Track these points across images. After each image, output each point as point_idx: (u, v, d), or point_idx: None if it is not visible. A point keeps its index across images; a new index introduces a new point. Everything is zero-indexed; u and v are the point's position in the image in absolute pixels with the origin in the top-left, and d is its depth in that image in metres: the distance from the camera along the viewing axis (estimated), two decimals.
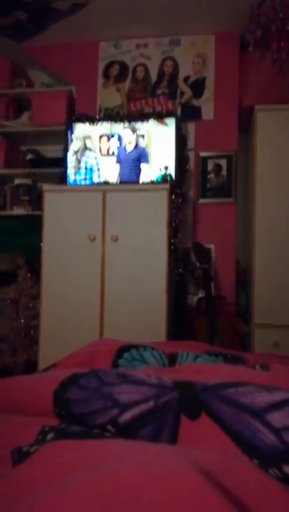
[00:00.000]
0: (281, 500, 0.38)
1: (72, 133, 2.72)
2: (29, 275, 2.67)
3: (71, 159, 2.70)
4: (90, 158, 2.68)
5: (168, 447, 0.46)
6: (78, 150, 2.70)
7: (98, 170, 2.67)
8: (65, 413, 0.63)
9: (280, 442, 0.47)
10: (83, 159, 2.68)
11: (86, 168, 2.67)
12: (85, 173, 2.68)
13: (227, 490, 0.37)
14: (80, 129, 2.71)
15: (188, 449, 0.46)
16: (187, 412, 0.54)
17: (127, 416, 0.56)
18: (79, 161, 2.69)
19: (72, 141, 2.71)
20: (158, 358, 1.00)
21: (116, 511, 0.34)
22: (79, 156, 2.69)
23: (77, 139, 2.70)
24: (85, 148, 2.69)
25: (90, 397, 0.63)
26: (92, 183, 2.62)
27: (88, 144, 2.69)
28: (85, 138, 2.70)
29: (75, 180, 2.68)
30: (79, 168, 2.68)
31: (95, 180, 2.65)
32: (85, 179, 2.67)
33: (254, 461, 0.47)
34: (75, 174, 2.68)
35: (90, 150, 2.68)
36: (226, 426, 0.51)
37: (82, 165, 2.68)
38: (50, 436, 0.51)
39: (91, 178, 2.66)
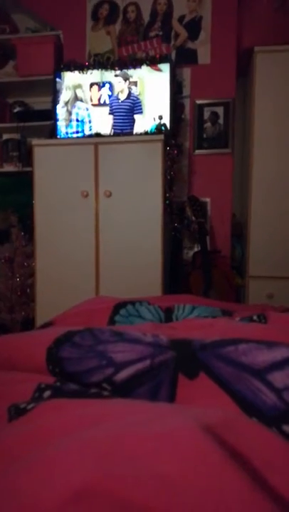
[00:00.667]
0: (283, 453, 0.37)
1: (60, 82, 2.58)
2: (22, 234, 2.64)
3: (61, 111, 2.58)
4: (81, 110, 2.56)
5: (168, 405, 0.45)
6: (69, 101, 2.57)
7: (90, 122, 2.56)
8: (59, 371, 0.62)
9: (281, 402, 0.46)
10: (74, 111, 2.56)
11: (77, 120, 2.56)
12: (77, 126, 2.56)
13: (229, 445, 0.37)
14: (70, 78, 2.56)
15: (188, 407, 0.45)
16: (185, 371, 0.53)
17: (122, 375, 0.55)
18: (70, 113, 2.57)
19: (61, 91, 2.57)
20: (154, 312, 0.99)
21: (113, 469, 0.33)
22: (70, 108, 2.57)
23: (67, 88, 2.56)
24: (76, 98, 2.56)
25: (84, 356, 0.61)
26: (84, 136, 2.52)
27: (79, 94, 2.56)
28: (75, 87, 2.57)
29: (66, 133, 2.57)
30: (70, 121, 2.56)
31: (87, 132, 2.55)
32: (77, 132, 2.56)
33: (253, 419, 0.46)
34: (66, 127, 2.57)
35: (81, 101, 2.55)
36: (225, 385, 0.50)
37: (74, 117, 2.56)
38: (47, 393, 0.50)
39: (83, 131, 2.55)
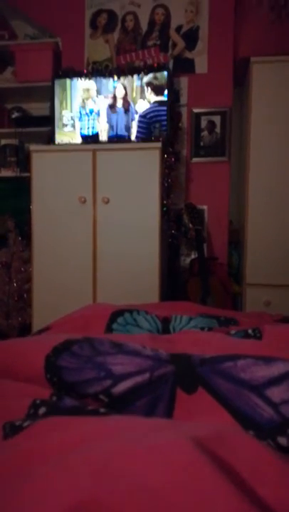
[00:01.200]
0: (273, 465, 0.38)
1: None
2: (20, 239, 2.64)
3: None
4: (92, 105, 2.57)
5: (162, 421, 0.45)
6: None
7: (98, 115, 2.56)
8: (57, 380, 0.63)
9: (278, 415, 0.47)
10: (87, 107, 2.57)
11: (88, 114, 2.56)
12: (88, 122, 2.57)
13: (220, 459, 0.37)
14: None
15: (182, 422, 0.45)
16: (183, 386, 0.54)
17: (121, 387, 0.56)
18: (84, 109, 2.57)
19: (57, 96, 2.59)
20: (151, 321, 1.00)
21: (107, 485, 0.34)
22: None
23: (84, 90, 2.57)
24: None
25: (82, 366, 0.62)
26: (81, 143, 2.53)
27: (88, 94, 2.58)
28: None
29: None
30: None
31: (98, 128, 2.54)
32: (88, 128, 2.56)
33: (250, 432, 0.47)
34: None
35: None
36: (223, 400, 0.50)
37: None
38: (42, 410, 0.51)
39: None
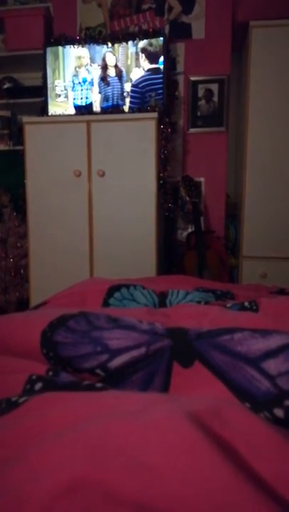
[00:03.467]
0: (270, 440, 0.38)
1: (56, 57, 2.50)
2: (15, 214, 2.61)
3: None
4: (85, 73, 2.49)
5: (158, 396, 0.45)
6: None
7: (92, 84, 2.48)
8: (53, 355, 0.62)
9: (274, 387, 0.47)
10: (80, 76, 2.49)
11: (81, 83, 2.48)
12: (81, 92, 2.49)
13: (216, 434, 0.37)
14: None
15: (178, 397, 0.45)
16: (180, 360, 0.54)
17: (117, 361, 0.56)
18: (77, 78, 2.49)
19: (49, 65, 2.50)
20: (148, 296, 0.99)
21: (103, 461, 0.34)
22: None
23: (76, 58, 2.48)
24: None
25: (78, 341, 0.62)
26: (75, 113, 2.47)
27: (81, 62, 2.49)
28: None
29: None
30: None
31: (92, 98, 2.47)
32: (81, 98, 2.49)
33: (246, 404, 0.47)
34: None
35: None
36: (220, 373, 0.50)
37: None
38: (38, 386, 0.51)
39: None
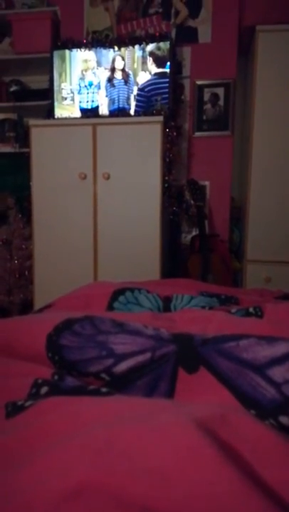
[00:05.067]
0: (276, 446, 0.38)
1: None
2: (20, 216, 2.62)
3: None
4: (91, 77, 2.51)
5: (164, 401, 0.45)
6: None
7: (98, 88, 2.49)
8: (58, 359, 0.63)
9: (280, 395, 0.47)
10: (86, 80, 2.50)
11: (87, 86, 2.50)
12: (87, 95, 2.51)
13: (222, 440, 0.37)
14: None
15: (184, 403, 0.45)
16: (185, 366, 0.54)
17: (122, 366, 0.56)
18: (83, 81, 2.51)
19: (55, 68, 2.51)
20: (153, 300, 0.99)
21: (110, 465, 0.34)
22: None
23: (83, 61, 2.50)
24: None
25: (84, 345, 0.62)
26: (81, 117, 2.48)
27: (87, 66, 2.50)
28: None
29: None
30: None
31: (98, 101, 2.48)
32: (87, 102, 2.51)
33: (251, 412, 0.47)
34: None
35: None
36: (225, 380, 0.50)
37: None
38: (44, 390, 0.51)
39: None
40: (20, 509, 0.33)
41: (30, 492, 0.33)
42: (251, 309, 0.85)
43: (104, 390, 0.50)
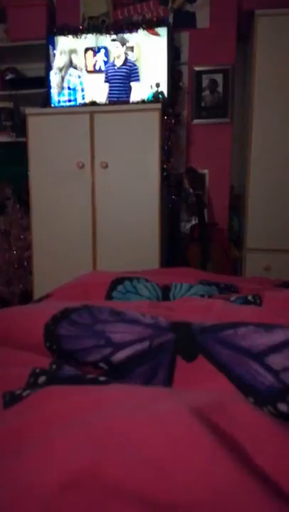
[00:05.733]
0: (273, 435, 0.38)
1: (54, 47, 2.48)
2: (18, 206, 2.60)
3: (54, 78, 2.49)
4: (72, 77, 2.47)
5: (162, 390, 0.45)
6: (63, 67, 2.48)
7: (82, 90, 2.47)
8: (56, 348, 0.63)
9: (278, 382, 0.46)
10: (66, 78, 2.47)
11: (69, 88, 2.47)
12: (69, 94, 2.48)
13: (220, 429, 0.37)
14: (64, 42, 2.46)
15: (182, 391, 0.45)
16: (183, 354, 0.54)
17: (120, 355, 0.56)
18: (63, 80, 2.48)
19: (55, 56, 2.48)
20: (151, 289, 0.99)
21: (107, 455, 0.34)
22: (63, 74, 2.48)
23: (61, 53, 2.46)
24: (70, 64, 2.47)
25: (81, 334, 0.62)
26: (78, 105, 2.45)
27: (74, 59, 2.46)
28: (70, 52, 2.46)
29: (58, 101, 2.50)
30: (62, 88, 2.48)
31: (80, 101, 2.47)
32: (69, 100, 2.48)
33: (249, 399, 0.47)
34: (58, 95, 2.49)
35: (75, 68, 2.46)
36: (223, 367, 0.50)
37: (66, 84, 2.48)
38: (41, 379, 0.51)
39: (75, 99, 2.48)
40: (18, 498, 0.33)
41: (29, 481, 0.33)
42: (250, 297, 0.84)
43: (102, 378, 0.50)
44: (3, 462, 0.36)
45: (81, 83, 2.48)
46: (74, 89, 2.48)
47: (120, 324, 0.61)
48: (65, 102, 2.49)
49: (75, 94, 2.48)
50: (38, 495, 0.32)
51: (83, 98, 2.47)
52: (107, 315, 0.65)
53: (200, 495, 0.31)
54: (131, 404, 0.39)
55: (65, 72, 2.48)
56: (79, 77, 2.47)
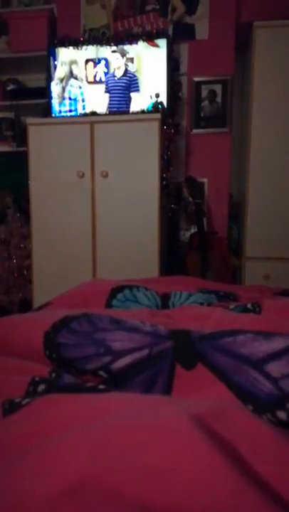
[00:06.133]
0: (272, 442, 0.38)
1: (54, 59, 2.51)
2: (18, 215, 2.61)
3: (55, 88, 2.52)
4: (73, 88, 2.50)
5: (161, 398, 0.45)
6: (64, 77, 2.50)
7: (83, 100, 2.50)
8: (56, 356, 0.63)
9: (277, 390, 0.47)
10: (67, 88, 2.50)
11: (70, 98, 2.50)
12: (70, 104, 2.51)
13: (219, 436, 0.37)
14: (65, 54, 2.49)
15: (181, 399, 0.45)
16: (182, 362, 0.54)
17: (120, 363, 0.56)
18: (64, 90, 2.51)
19: (56, 67, 2.51)
20: (151, 298, 0.99)
21: (106, 462, 0.34)
22: (64, 84, 2.50)
23: (62, 64, 2.49)
24: (71, 75, 2.50)
25: (81, 342, 0.62)
26: (79, 115, 2.47)
27: (75, 70, 2.49)
28: (71, 63, 2.49)
29: (60, 111, 2.52)
30: (63, 99, 2.51)
31: (80, 111, 2.49)
32: (70, 111, 2.51)
33: (248, 407, 0.47)
34: (59, 105, 2.52)
35: (76, 78, 2.49)
36: (222, 375, 0.50)
37: (66, 95, 2.51)
38: (41, 388, 0.51)
39: (76, 110, 2.50)
40: (19, 504, 0.33)
41: (30, 487, 0.33)
42: (249, 305, 0.85)
43: (101, 387, 0.50)
44: (2, 470, 0.36)
45: (82, 93, 2.50)
46: (75, 100, 2.51)
47: (120, 332, 0.61)
48: (66, 112, 2.52)
49: (75, 104, 2.51)
50: (39, 501, 0.32)
51: (84, 108, 2.50)
52: (106, 323, 0.65)
53: (199, 501, 0.31)
54: (130, 412, 0.39)
55: (66, 83, 2.50)
56: (80, 87, 2.50)
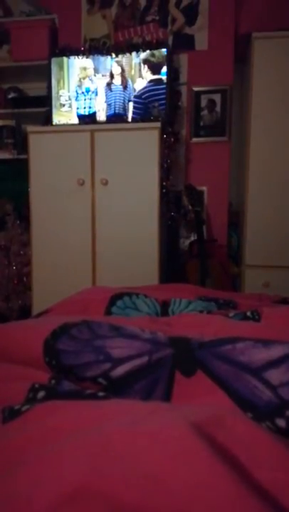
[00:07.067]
0: (271, 449, 0.38)
1: (53, 67, 2.53)
2: (18, 222, 2.62)
3: (56, 97, 2.54)
4: (89, 83, 2.52)
5: (160, 405, 0.45)
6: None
7: (96, 94, 2.50)
8: (56, 363, 0.63)
9: (276, 397, 0.47)
10: (83, 86, 2.52)
11: (84, 93, 2.51)
12: (84, 102, 2.52)
13: (218, 443, 0.37)
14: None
15: (180, 406, 0.45)
16: (182, 369, 0.54)
17: (119, 370, 0.56)
18: (80, 88, 2.52)
19: (53, 75, 2.53)
20: (151, 305, 1.00)
21: (105, 470, 0.34)
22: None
23: (80, 69, 2.51)
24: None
25: (81, 349, 0.62)
26: (80, 117, 2.49)
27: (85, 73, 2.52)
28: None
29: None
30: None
31: (95, 108, 2.50)
32: (84, 108, 2.52)
33: (248, 414, 0.47)
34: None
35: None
36: (222, 383, 0.50)
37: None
38: (40, 394, 0.51)
39: (90, 107, 2.51)
40: (17, 511, 0.33)
41: (28, 494, 0.33)
42: (249, 313, 0.85)
43: (101, 394, 0.50)
44: (2, 476, 0.36)
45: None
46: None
47: (119, 339, 0.61)
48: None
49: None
50: (38, 508, 0.32)
51: (91, 107, 2.51)
52: (106, 330, 0.66)
53: (198, 508, 0.31)
54: (130, 419, 0.39)
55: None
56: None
